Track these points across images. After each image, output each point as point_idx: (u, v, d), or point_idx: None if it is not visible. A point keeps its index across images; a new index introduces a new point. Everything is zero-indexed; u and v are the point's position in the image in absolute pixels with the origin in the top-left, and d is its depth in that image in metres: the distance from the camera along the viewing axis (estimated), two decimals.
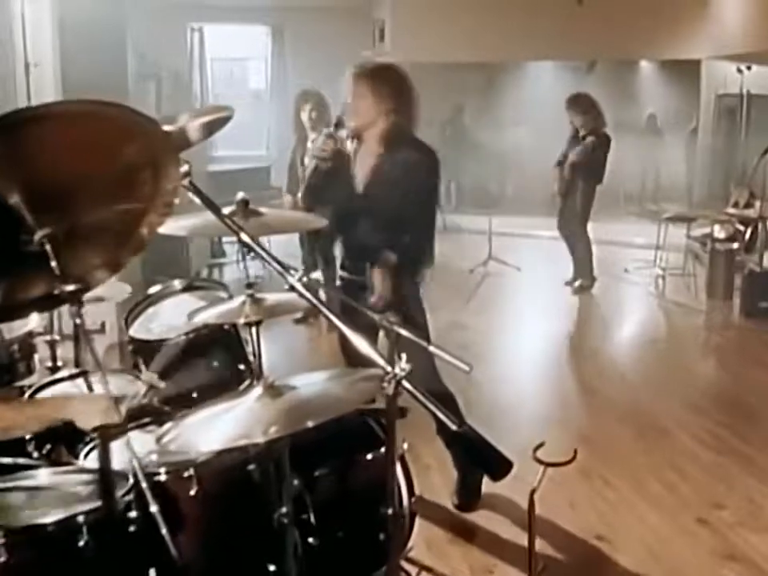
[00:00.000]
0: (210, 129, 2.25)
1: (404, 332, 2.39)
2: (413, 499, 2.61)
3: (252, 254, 1.91)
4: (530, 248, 9.13)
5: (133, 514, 1.77)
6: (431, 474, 3.67)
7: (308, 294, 1.82)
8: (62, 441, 2.33)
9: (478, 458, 1.85)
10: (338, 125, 3.26)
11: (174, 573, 1.85)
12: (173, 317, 2.65)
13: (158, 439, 1.87)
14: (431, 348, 2.19)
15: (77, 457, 2.17)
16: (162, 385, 2.60)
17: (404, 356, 1.78)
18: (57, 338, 3.18)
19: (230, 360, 2.64)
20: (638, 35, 10.61)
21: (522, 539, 2.69)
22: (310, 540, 2.30)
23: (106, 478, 1.53)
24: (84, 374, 2.57)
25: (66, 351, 3.26)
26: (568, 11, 10.36)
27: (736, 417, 4.56)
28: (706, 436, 4.27)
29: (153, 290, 2.93)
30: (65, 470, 2.03)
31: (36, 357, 3.05)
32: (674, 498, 3.62)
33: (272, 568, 2.11)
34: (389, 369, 1.75)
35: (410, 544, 2.62)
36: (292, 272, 1.88)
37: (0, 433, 1.82)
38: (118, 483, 1.78)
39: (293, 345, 5.72)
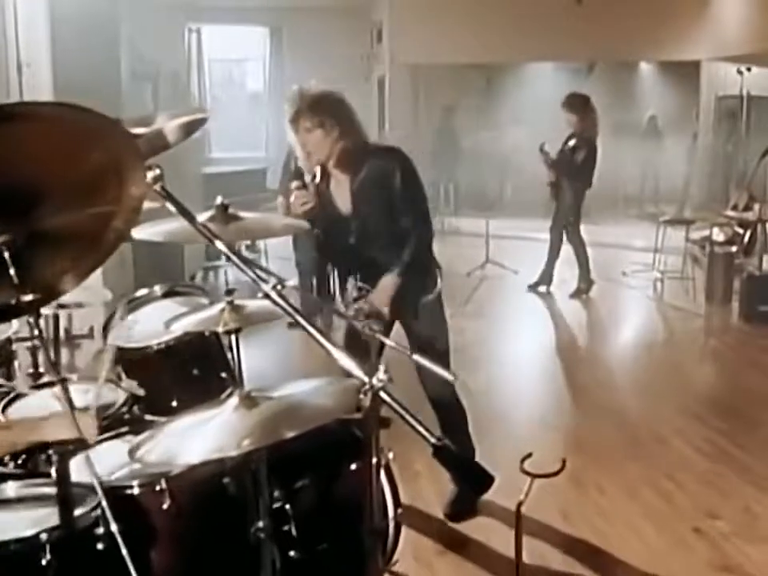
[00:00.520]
0: (188, 130, 2.20)
1: (387, 341, 2.35)
2: (398, 510, 2.56)
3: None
4: (528, 251, 9.07)
5: (101, 530, 1.71)
6: (421, 481, 3.61)
7: (282, 303, 1.77)
8: (38, 451, 2.28)
9: (458, 473, 1.78)
10: (300, 175, 3.21)
11: None
12: (153, 324, 2.58)
13: (131, 451, 1.82)
14: (414, 357, 2.14)
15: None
16: (141, 393, 2.55)
17: (382, 366, 1.72)
18: (38, 343, 3.12)
19: (211, 368, 2.58)
20: (637, 36, 10.56)
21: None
22: (292, 553, 2.24)
23: (64, 496, 1.47)
24: (62, 381, 2.51)
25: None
26: (567, 12, 10.31)
27: (733, 423, 4.49)
28: (702, 443, 4.21)
29: (139, 293, 2.88)
30: (35, 483, 1.97)
31: (16, 363, 2.99)
32: (668, 508, 3.55)
33: None
34: (366, 379, 1.69)
35: (395, 556, 2.57)
36: (274, 279, 1.83)
37: None
38: (87, 498, 1.72)
39: (287, 350, 5.66)
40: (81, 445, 1.56)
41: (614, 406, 4.81)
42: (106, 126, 1.44)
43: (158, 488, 1.91)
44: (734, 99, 10.75)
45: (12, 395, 2.48)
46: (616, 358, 5.93)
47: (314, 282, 5.94)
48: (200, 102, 11.79)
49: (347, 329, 3.39)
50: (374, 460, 1.85)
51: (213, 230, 2.24)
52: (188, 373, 2.58)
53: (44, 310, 2.96)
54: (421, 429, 1.69)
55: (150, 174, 1.81)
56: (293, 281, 5.75)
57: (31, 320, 1.50)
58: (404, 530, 2.64)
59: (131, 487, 1.93)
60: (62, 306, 2.86)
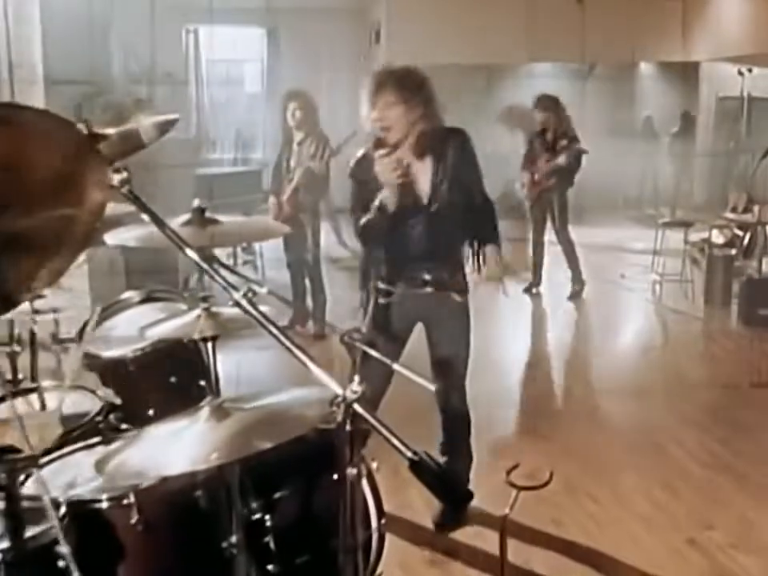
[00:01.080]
0: (162, 130, 2.14)
1: (367, 349, 2.28)
2: (382, 521, 2.49)
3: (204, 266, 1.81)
4: (526, 253, 8.98)
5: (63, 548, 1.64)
6: (410, 490, 3.53)
7: (253, 311, 1.71)
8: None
9: (435, 488, 1.73)
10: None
11: None
12: (130, 330, 2.52)
13: (99, 463, 1.75)
14: (395, 366, 2.07)
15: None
16: (118, 401, 2.48)
17: (357, 378, 1.67)
18: (17, 349, 3.06)
19: (189, 376, 2.51)
20: (637, 36, 10.49)
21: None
22: (269, 567, 2.17)
23: (13, 514, 1.40)
24: (36, 389, 2.45)
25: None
26: (567, 12, 10.25)
27: (731, 430, 4.41)
28: (699, 451, 4.13)
29: (117, 299, 2.82)
30: None
31: None
32: (664, 517, 3.48)
33: None
34: (339, 391, 1.64)
35: (379, 568, 2.50)
36: (253, 286, 1.79)
37: None
38: (48, 514, 1.65)
39: (280, 354, 5.57)
40: (31, 461, 1.48)
41: (609, 411, 4.74)
42: (60, 128, 1.38)
43: (125, 502, 1.84)
44: (735, 101, 10.68)
45: None
46: (613, 362, 5.85)
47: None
48: (197, 102, 11.73)
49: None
50: (352, 471, 1.80)
51: (189, 234, 2.20)
52: (165, 381, 2.51)
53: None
54: (396, 442, 1.64)
55: (116, 177, 1.75)
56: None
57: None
58: (392, 539, 2.58)
59: (99, 501, 1.86)
60: (36, 312, 2.79)
